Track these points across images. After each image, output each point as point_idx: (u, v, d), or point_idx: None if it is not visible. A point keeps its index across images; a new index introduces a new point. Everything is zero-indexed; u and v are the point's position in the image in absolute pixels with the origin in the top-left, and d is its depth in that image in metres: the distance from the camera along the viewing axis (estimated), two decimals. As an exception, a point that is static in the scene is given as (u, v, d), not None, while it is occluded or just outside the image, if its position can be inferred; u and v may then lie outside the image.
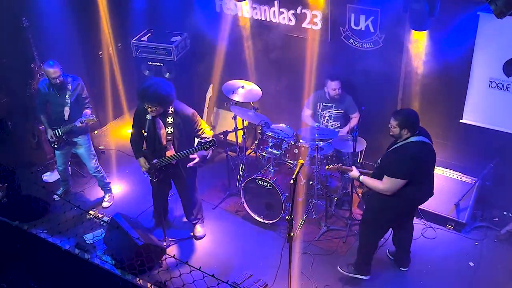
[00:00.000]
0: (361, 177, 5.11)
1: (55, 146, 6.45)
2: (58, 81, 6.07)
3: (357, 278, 5.56)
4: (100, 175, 6.79)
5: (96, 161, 6.70)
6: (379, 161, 5.14)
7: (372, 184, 5.00)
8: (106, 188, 6.95)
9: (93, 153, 6.66)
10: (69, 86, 6.18)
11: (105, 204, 6.90)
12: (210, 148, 5.39)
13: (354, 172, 5.19)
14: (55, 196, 6.82)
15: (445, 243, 6.07)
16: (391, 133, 4.96)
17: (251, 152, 7.30)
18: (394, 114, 4.93)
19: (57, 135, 6.32)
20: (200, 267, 3.66)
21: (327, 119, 6.66)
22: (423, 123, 6.19)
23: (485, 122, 6.02)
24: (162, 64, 7.62)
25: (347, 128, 6.60)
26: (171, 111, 5.47)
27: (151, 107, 5.33)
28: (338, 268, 5.57)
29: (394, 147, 4.99)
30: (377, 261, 5.78)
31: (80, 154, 6.61)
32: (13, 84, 7.18)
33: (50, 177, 7.41)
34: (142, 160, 5.73)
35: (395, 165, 4.86)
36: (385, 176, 4.88)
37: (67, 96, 6.18)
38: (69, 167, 7.01)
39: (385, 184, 4.89)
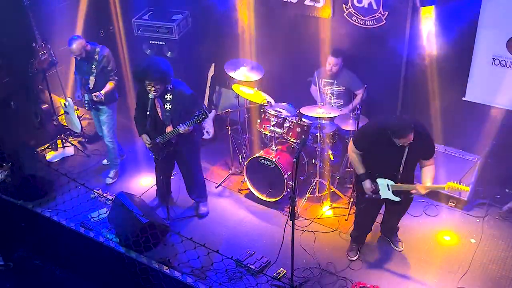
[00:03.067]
0: (428, 185, 4.93)
1: (86, 107, 6.61)
2: (83, 56, 6.25)
3: (358, 255, 5.64)
4: (112, 146, 6.85)
5: (113, 132, 6.78)
6: (402, 168, 4.92)
7: (434, 176, 4.99)
8: (114, 163, 7.00)
9: (113, 123, 6.75)
10: (96, 57, 6.30)
11: (108, 181, 6.95)
12: (203, 121, 5.40)
13: (421, 190, 4.94)
14: (104, 161, 7.16)
15: (447, 220, 6.11)
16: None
17: (254, 131, 7.30)
18: (404, 134, 4.67)
19: (86, 99, 6.47)
20: (204, 244, 3.71)
21: (329, 96, 6.64)
22: (427, 100, 6.18)
23: (488, 99, 6.01)
24: (163, 43, 7.58)
25: (350, 107, 6.58)
26: (170, 88, 5.50)
27: (154, 85, 5.34)
28: None
29: (410, 143, 4.81)
30: (378, 238, 5.84)
31: (101, 120, 6.73)
32: (14, 63, 7.15)
33: (54, 156, 7.43)
34: (145, 136, 5.77)
35: (431, 146, 4.96)
36: (429, 160, 4.97)
37: (93, 66, 6.31)
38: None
39: (433, 162, 5.01)
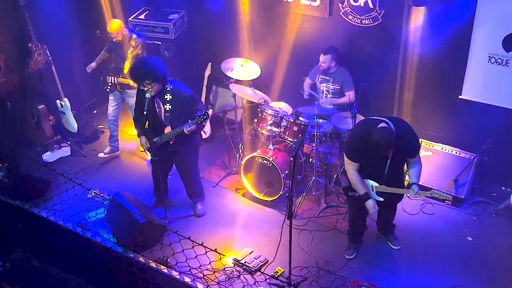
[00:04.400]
0: (417, 181, 4.91)
1: (108, 89, 6.94)
2: (119, 39, 6.61)
3: (356, 254, 5.66)
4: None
5: None
6: (386, 170, 4.90)
7: (421, 171, 4.99)
8: (113, 145, 7.32)
9: None
10: (132, 43, 6.61)
11: (100, 155, 7.29)
12: (205, 121, 5.41)
13: (413, 189, 4.87)
14: (101, 154, 7.28)
15: (444, 218, 6.12)
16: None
17: (251, 130, 7.31)
18: (389, 148, 4.67)
19: (113, 82, 6.84)
20: (202, 243, 3.71)
21: (325, 94, 6.66)
22: (422, 99, 6.20)
23: (484, 97, 6.02)
24: (160, 43, 7.57)
25: (335, 101, 6.59)
26: (170, 88, 5.49)
27: (145, 85, 5.35)
28: None
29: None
30: (375, 237, 5.85)
31: (128, 103, 7.03)
32: (10, 63, 7.13)
33: (50, 156, 7.41)
34: (143, 138, 5.77)
35: (414, 143, 4.93)
36: (415, 157, 4.95)
37: (129, 52, 6.62)
38: (118, 123, 7.31)
39: (420, 158, 5.01)
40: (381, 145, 4.60)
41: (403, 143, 4.73)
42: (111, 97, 7.05)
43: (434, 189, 4.69)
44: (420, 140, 5.22)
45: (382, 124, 4.70)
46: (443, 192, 4.66)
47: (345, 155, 5.06)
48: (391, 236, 5.78)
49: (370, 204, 5.04)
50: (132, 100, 6.80)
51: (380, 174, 4.96)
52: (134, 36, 6.68)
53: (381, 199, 5.08)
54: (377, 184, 5.01)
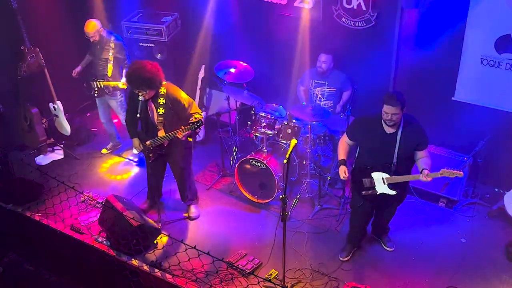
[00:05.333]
0: (429, 170, 4.82)
1: (95, 94, 6.91)
2: (96, 39, 6.62)
3: (350, 256, 5.65)
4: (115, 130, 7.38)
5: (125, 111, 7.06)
6: (395, 159, 4.89)
7: (430, 163, 4.93)
8: (115, 142, 7.47)
9: (124, 107, 7.03)
10: (112, 45, 6.64)
11: (103, 151, 7.48)
12: (199, 128, 5.39)
13: (422, 178, 4.83)
14: (104, 150, 7.45)
15: (437, 220, 6.13)
16: (393, 123, 4.76)
17: (245, 133, 7.30)
18: (392, 101, 4.67)
19: (98, 86, 6.79)
20: (195, 246, 3.70)
21: (319, 97, 6.66)
22: (416, 101, 6.21)
23: (476, 99, 6.05)
24: (153, 45, 7.57)
25: (341, 104, 6.63)
26: (163, 92, 5.46)
27: (140, 90, 5.33)
28: None
29: (401, 131, 4.85)
30: (369, 239, 5.86)
31: (112, 106, 7.13)
32: (3, 66, 7.11)
33: (43, 159, 7.38)
34: (136, 141, 5.76)
35: (423, 135, 4.91)
36: (423, 151, 4.92)
37: (110, 54, 6.68)
38: (113, 122, 7.47)
39: (428, 154, 4.98)
40: (385, 97, 4.72)
41: (411, 131, 4.84)
42: (98, 102, 7.12)
43: (444, 168, 4.73)
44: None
45: None
46: (452, 168, 4.72)
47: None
48: (385, 238, 5.79)
49: (342, 169, 5.13)
50: (115, 102, 6.97)
51: (389, 162, 4.93)
52: (113, 38, 6.69)
53: (394, 192, 5.05)
54: (388, 176, 4.98)
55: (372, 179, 5.06)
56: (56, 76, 7.27)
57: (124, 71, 6.74)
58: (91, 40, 6.64)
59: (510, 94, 5.84)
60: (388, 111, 4.71)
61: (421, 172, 4.83)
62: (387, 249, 5.74)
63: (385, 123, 4.83)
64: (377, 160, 5.01)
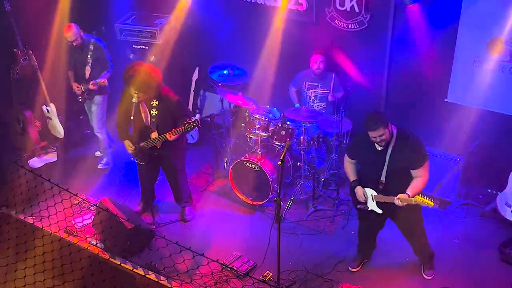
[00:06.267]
0: (410, 193, 4.65)
1: (80, 100, 6.82)
2: (78, 42, 6.50)
3: (346, 257, 5.67)
4: (102, 137, 7.10)
5: (102, 123, 6.99)
6: (383, 177, 4.76)
7: (421, 187, 4.71)
8: (106, 152, 7.27)
9: (102, 115, 6.96)
10: (91, 47, 6.54)
11: (99, 166, 7.28)
12: (194, 129, 5.40)
13: (396, 202, 4.70)
14: (97, 152, 7.39)
15: (431, 220, 6.12)
16: (383, 143, 4.61)
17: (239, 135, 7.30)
18: (372, 126, 4.51)
19: (81, 90, 6.68)
20: (190, 247, 3.70)
21: (312, 99, 6.68)
22: (409, 102, 6.22)
23: (469, 101, 6.08)
24: (147, 47, 7.56)
25: (333, 97, 6.63)
26: (156, 94, 5.47)
27: (137, 93, 5.32)
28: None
29: (392, 147, 4.68)
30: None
31: (92, 111, 6.96)
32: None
33: (37, 162, 7.36)
34: (127, 142, 5.75)
35: (418, 154, 4.69)
36: (417, 170, 4.68)
37: (88, 56, 6.56)
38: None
39: (425, 174, 4.73)
40: (365, 123, 4.53)
41: (403, 149, 4.64)
42: (86, 108, 7.05)
43: (419, 196, 4.61)
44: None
45: None
46: (425, 196, 4.60)
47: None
48: (425, 262, 5.48)
49: (358, 191, 4.97)
50: (94, 107, 6.85)
51: (377, 179, 4.80)
52: (93, 40, 6.63)
53: (380, 211, 4.92)
54: (375, 193, 4.86)
55: (365, 194, 4.98)
56: (49, 79, 7.25)
57: (105, 72, 6.67)
58: (74, 44, 6.52)
59: (502, 96, 5.88)
60: (373, 135, 4.57)
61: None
62: (425, 276, 5.43)
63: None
64: (367, 177, 4.94)
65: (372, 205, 4.97)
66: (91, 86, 6.58)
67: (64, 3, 7.05)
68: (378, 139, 4.59)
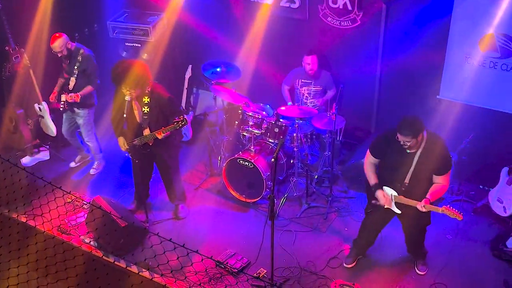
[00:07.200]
0: (430, 199, 4.68)
1: (61, 108, 6.55)
2: (64, 53, 6.28)
3: (339, 254, 5.68)
4: (92, 145, 6.95)
5: (91, 133, 6.83)
6: (408, 179, 4.76)
7: (441, 193, 4.76)
8: (96, 157, 7.13)
9: (90, 126, 6.78)
10: (79, 58, 6.31)
11: (92, 171, 7.10)
12: (185, 128, 5.38)
13: (418, 207, 4.70)
14: (72, 163, 7.15)
15: (424, 217, 6.19)
16: (408, 147, 4.59)
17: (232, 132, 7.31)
18: (403, 130, 4.49)
19: (62, 100, 6.43)
20: (184, 244, 3.70)
21: (305, 96, 6.70)
22: (402, 99, 6.23)
23: (461, 98, 6.12)
24: (139, 45, 7.54)
25: (324, 99, 6.65)
26: (148, 91, 5.46)
27: (128, 89, 5.31)
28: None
29: (420, 151, 4.66)
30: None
31: (79, 124, 6.74)
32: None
33: (29, 160, 7.33)
34: (121, 139, 5.74)
35: (444, 160, 4.68)
36: (440, 177, 4.70)
37: (75, 67, 6.32)
38: (78, 136, 7.04)
39: (446, 182, 4.75)
40: (398, 126, 4.51)
41: (431, 153, 4.62)
42: (64, 117, 6.77)
43: (446, 206, 4.60)
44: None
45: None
46: (454, 208, 4.63)
47: (368, 148, 4.93)
48: (417, 259, 5.52)
49: (379, 194, 4.93)
50: (80, 120, 6.64)
51: (400, 181, 4.80)
52: (82, 50, 6.34)
53: (399, 212, 4.92)
54: (396, 194, 4.85)
55: (383, 191, 4.94)
56: (41, 77, 7.22)
57: (88, 87, 6.41)
58: (59, 55, 6.30)
59: (494, 93, 5.92)
60: (400, 138, 4.56)
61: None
62: (418, 272, 5.48)
63: None
64: (391, 176, 4.87)
65: (391, 205, 4.94)
66: (68, 98, 6.32)
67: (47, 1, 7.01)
68: (403, 143, 4.58)
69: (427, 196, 4.69)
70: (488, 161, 6.25)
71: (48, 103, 6.92)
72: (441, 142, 4.71)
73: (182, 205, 6.33)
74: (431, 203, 4.68)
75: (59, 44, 6.21)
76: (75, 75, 6.35)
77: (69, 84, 6.39)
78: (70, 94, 6.32)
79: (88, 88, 6.43)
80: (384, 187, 4.91)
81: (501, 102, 5.93)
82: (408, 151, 4.68)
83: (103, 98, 6.95)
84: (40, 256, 5.09)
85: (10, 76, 6.99)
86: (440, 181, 4.74)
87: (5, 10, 6.70)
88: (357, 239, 5.58)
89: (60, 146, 7.61)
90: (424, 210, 4.68)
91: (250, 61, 7.19)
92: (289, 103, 6.77)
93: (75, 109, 6.53)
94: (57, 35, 6.24)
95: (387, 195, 4.91)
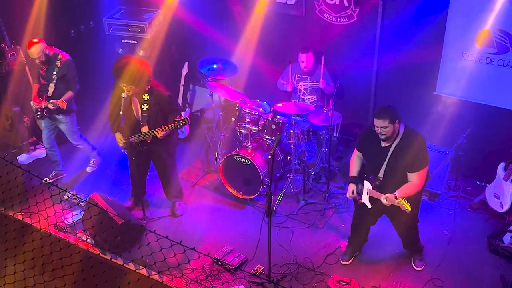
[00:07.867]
0: (397, 195, 4.65)
1: (38, 116, 6.38)
2: (42, 59, 6.07)
3: (336, 250, 5.68)
4: (83, 147, 6.89)
5: (77, 137, 6.74)
6: (381, 173, 4.80)
7: (410, 191, 4.70)
8: (91, 155, 7.07)
9: (74, 131, 6.65)
10: (58, 63, 6.15)
11: (88, 169, 7.07)
12: (184, 126, 5.38)
13: (390, 197, 4.68)
14: (46, 179, 6.69)
15: (420, 212, 6.14)
16: (384, 136, 4.62)
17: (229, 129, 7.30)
18: (379, 113, 4.56)
19: (41, 107, 6.26)
20: (181, 241, 3.69)
21: (303, 92, 6.69)
22: (398, 95, 6.24)
23: (458, 93, 6.12)
24: (135, 42, 7.52)
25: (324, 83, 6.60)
26: (148, 88, 5.44)
27: (125, 86, 5.29)
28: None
29: (395, 145, 4.70)
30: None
31: (63, 129, 6.60)
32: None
33: (25, 158, 7.31)
34: (118, 135, 5.73)
35: (418, 158, 4.65)
36: (413, 174, 4.68)
37: (54, 73, 6.15)
38: (57, 148, 6.81)
39: (419, 181, 4.71)
40: (376, 111, 4.61)
41: (405, 148, 4.63)
42: (42, 124, 6.57)
43: (401, 198, 4.61)
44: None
45: None
46: (405, 200, 4.63)
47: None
48: (413, 255, 5.52)
49: (350, 187, 4.99)
50: (63, 126, 6.53)
51: (375, 175, 4.85)
52: (60, 56, 6.18)
53: (369, 205, 4.94)
54: (371, 188, 4.88)
55: (362, 186, 4.97)
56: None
57: (69, 93, 6.24)
58: (37, 62, 6.10)
59: (490, 88, 5.93)
60: (377, 124, 4.57)
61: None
62: (415, 268, 5.47)
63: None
64: (368, 171, 4.98)
65: (365, 198, 4.98)
66: (50, 105, 6.14)
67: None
68: (380, 130, 4.60)
69: (395, 192, 4.68)
70: (485, 156, 6.25)
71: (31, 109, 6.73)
72: (420, 140, 4.70)
73: (179, 202, 6.32)
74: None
75: (36, 50, 6.00)
76: (54, 81, 6.17)
77: (48, 91, 6.22)
78: (51, 101, 6.15)
79: (69, 94, 6.27)
80: (365, 182, 4.94)
81: (497, 98, 5.94)
82: (383, 144, 4.72)
83: (101, 96, 6.95)
84: (37, 254, 5.08)
85: (6, 73, 6.96)
86: (413, 180, 4.71)
87: (1, 7, 6.67)
88: (351, 236, 5.60)
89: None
90: (386, 202, 4.70)
91: (246, 58, 7.18)
92: (285, 86, 6.70)
93: (56, 115, 6.39)
94: (34, 40, 6.05)
95: (361, 189, 4.96)
